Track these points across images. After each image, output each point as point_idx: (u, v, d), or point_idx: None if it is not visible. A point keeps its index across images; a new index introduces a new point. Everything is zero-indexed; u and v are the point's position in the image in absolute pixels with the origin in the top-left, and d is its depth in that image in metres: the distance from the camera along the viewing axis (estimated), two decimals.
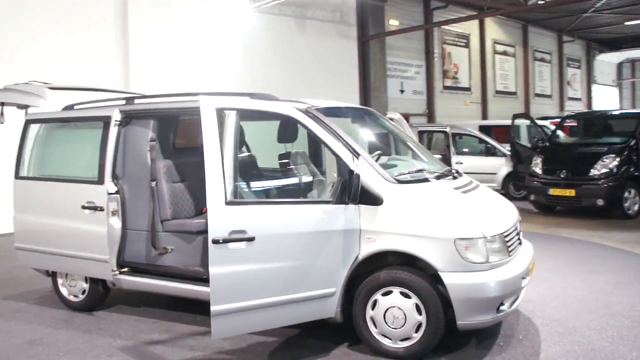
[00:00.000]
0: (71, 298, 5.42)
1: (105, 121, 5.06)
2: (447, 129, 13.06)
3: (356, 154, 4.14)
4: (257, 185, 4.38)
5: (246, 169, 4.78)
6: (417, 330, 4.01)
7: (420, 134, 13.21)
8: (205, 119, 3.66)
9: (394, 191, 4.06)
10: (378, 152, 5.63)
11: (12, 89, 5.70)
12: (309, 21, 14.42)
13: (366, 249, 4.07)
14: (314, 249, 3.94)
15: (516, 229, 4.49)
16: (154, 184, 5.04)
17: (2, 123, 5.86)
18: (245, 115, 4.23)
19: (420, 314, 3.99)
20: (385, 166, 4.81)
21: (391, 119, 6.69)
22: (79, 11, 10.58)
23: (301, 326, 4.66)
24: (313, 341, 4.49)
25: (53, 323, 5.08)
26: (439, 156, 5.96)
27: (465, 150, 13.10)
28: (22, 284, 6.31)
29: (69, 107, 5.45)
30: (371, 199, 4.04)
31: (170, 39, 11.94)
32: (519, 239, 4.51)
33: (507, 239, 4.16)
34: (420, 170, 4.68)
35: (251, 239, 3.70)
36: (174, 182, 5.16)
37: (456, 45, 19.17)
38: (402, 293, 4.02)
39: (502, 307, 4.06)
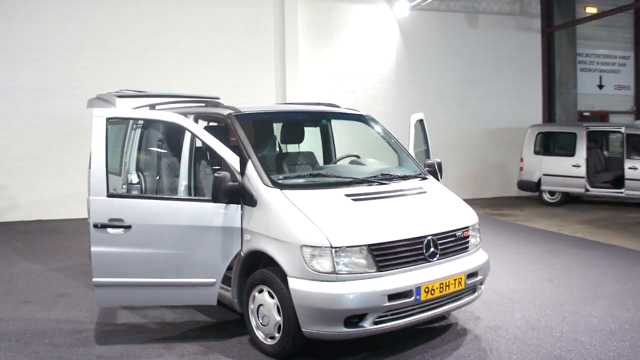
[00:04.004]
0: None
1: (128, 123, 6.13)
2: (622, 129, 11.24)
3: (247, 158, 4.42)
4: (162, 182, 4.90)
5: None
6: (278, 331, 4.14)
7: (591, 134, 11.60)
8: (95, 127, 4.36)
9: (266, 194, 4.24)
10: (352, 155, 5.70)
11: (99, 98, 7.22)
12: (482, 15, 13.71)
13: (245, 247, 4.35)
14: (191, 242, 4.36)
15: (422, 243, 4.16)
16: (157, 177, 5.96)
17: None
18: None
19: (279, 315, 4.11)
20: (322, 169, 4.95)
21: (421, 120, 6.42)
22: (240, 26, 12.09)
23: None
24: (231, 327, 4.87)
25: None
26: (436, 160, 5.58)
27: None
28: None
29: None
30: (250, 201, 4.30)
31: (326, 45, 12.74)
32: (423, 254, 4.16)
33: (378, 252, 3.97)
34: (316, 175, 4.67)
35: (128, 227, 4.32)
36: (176, 176, 5.98)
37: None
38: (269, 293, 4.19)
39: (360, 323, 3.92)
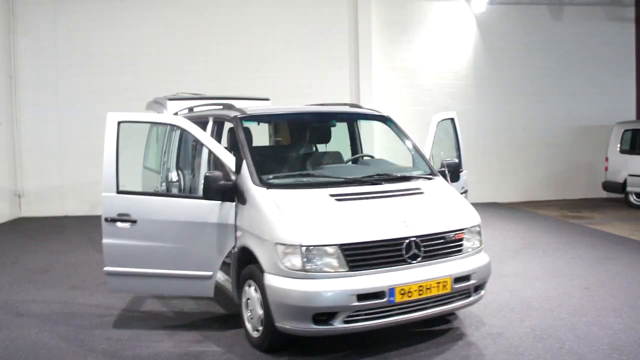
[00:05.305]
0: None
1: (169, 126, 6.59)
2: None
3: (242, 158, 4.65)
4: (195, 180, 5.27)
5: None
6: (261, 324, 4.33)
7: None
8: (108, 130, 4.74)
9: (254, 193, 4.44)
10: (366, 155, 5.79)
11: (155, 101, 7.81)
12: (568, 7, 12.91)
13: (238, 243, 4.59)
14: (189, 236, 4.66)
15: (402, 245, 4.16)
16: (192, 176, 6.36)
17: None
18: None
19: (262, 309, 4.29)
20: (330, 169, 5.13)
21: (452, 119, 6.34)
22: (313, 26, 12.38)
23: None
24: (239, 319, 5.08)
25: None
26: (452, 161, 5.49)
27: None
28: None
29: (175, 114, 7.19)
30: (242, 199, 4.53)
31: (401, 43, 12.67)
32: (402, 255, 4.15)
33: (350, 252, 4.03)
34: (306, 175, 4.77)
35: (134, 221, 4.70)
36: None
37: None
38: (255, 288, 4.39)
39: (330, 321, 4.00)
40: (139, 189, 7.56)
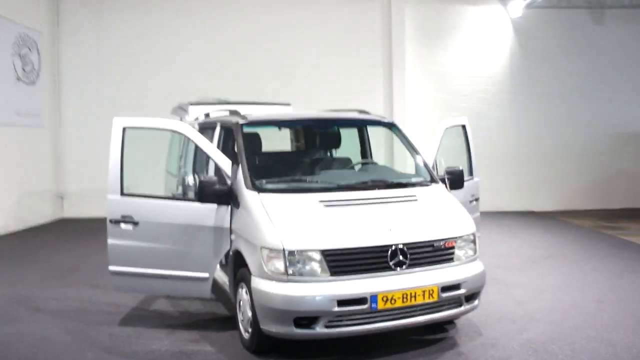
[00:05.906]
0: None
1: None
2: None
3: (237, 163, 4.79)
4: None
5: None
6: (251, 326, 4.43)
7: None
8: (114, 135, 4.97)
9: (245, 196, 4.57)
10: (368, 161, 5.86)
11: (179, 106, 8.06)
12: (610, 10, 12.49)
13: (233, 246, 4.71)
14: (187, 238, 4.82)
15: (387, 252, 4.18)
16: None
17: None
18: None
19: (251, 311, 4.39)
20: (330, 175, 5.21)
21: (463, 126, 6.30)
22: (347, 31, 12.46)
23: None
24: (231, 322, 5.19)
25: None
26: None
27: None
28: None
29: (196, 119, 7.42)
30: (236, 203, 4.66)
31: (436, 48, 12.61)
32: (387, 262, 4.17)
33: (332, 257, 4.09)
34: (298, 180, 4.83)
35: (136, 223, 4.89)
36: None
37: None
38: (246, 290, 4.49)
39: (312, 325, 4.06)
40: (161, 193, 7.87)
